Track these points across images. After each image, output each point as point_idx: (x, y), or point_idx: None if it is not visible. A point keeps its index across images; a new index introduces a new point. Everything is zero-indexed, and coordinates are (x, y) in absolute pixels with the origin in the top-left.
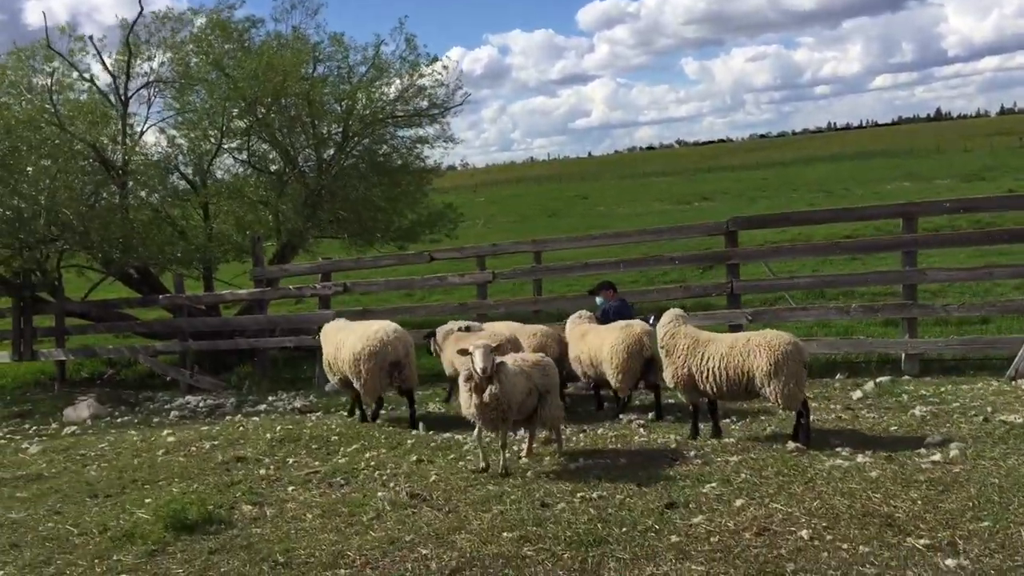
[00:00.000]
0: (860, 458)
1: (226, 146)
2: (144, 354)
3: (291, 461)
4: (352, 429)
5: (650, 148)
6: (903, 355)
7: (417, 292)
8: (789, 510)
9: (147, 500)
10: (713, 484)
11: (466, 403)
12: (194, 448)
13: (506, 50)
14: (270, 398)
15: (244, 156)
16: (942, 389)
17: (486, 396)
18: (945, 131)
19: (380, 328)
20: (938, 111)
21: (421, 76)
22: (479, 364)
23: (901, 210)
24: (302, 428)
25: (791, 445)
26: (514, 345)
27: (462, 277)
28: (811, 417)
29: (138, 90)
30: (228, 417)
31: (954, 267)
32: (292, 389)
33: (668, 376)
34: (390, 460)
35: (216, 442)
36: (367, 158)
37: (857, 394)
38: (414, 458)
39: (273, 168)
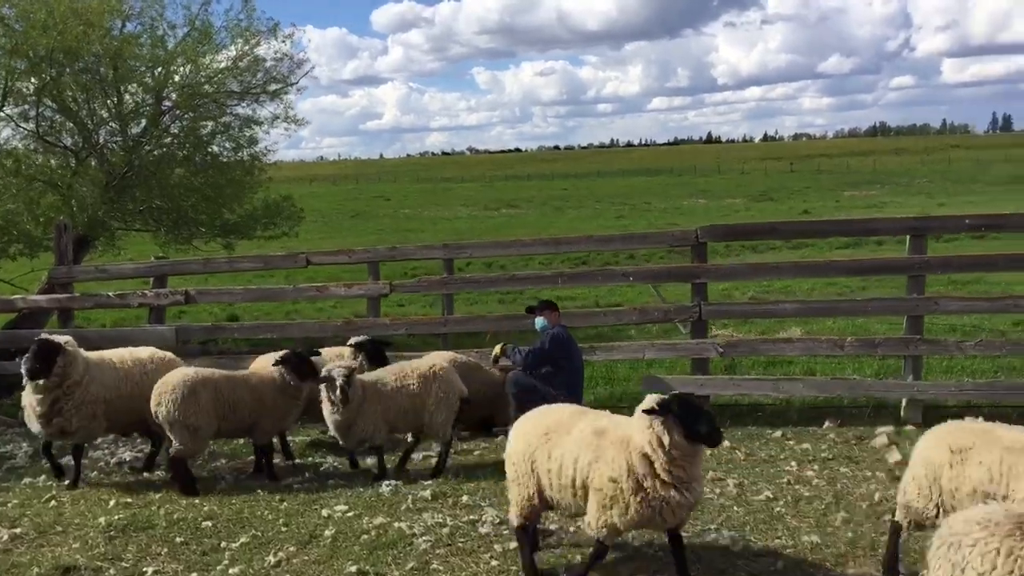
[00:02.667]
0: None
1: (7, 112)
2: None
3: (150, 572)
4: (228, 505)
5: (445, 153)
6: (904, 401)
7: (286, 304)
8: None
9: None
10: None
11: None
12: None
13: (299, 46)
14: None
15: (32, 126)
16: None
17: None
18: (718, 153)
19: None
20: (709, 135)
21: (258, 45)
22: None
23: (915, 224)
24: (150, 505)
25: None
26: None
27: (349, 288)
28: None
29: None
30: (27, 481)
31: (970, 296)
32: None
33: None
34: (309, 570)
35: (19, 531)
36: (190, 138)
37: (895, 456)
38: (351, 568)
39: (68, 142)
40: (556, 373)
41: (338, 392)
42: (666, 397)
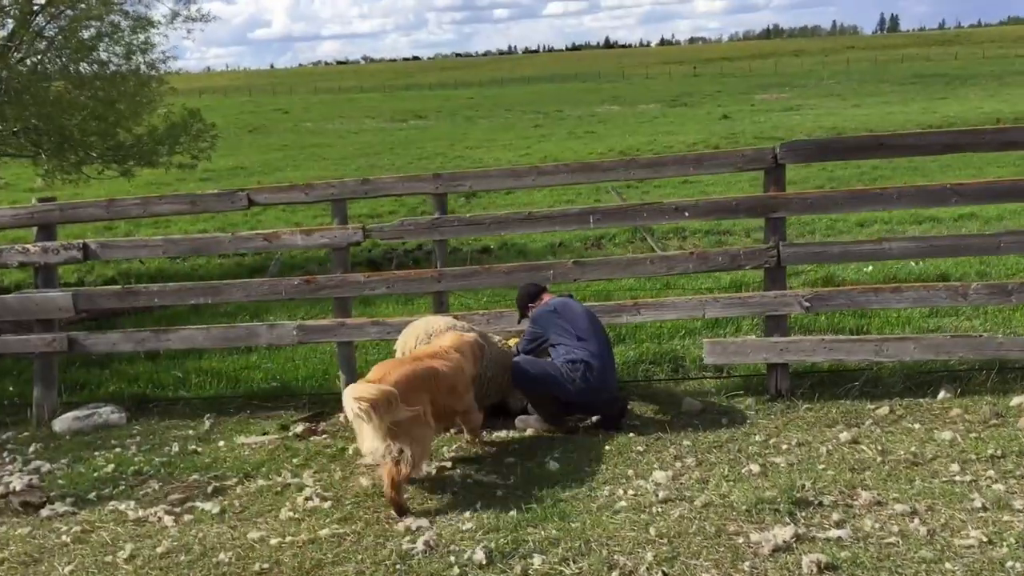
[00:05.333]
0: None
1: None
2: None
3: None
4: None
5: (340, 63)
6: None
7: (224, 260)
8: None
9: None
10: None
11: None
12: None
13: None
14: None
15: None
16: None
17: None
18: (619, 58)
19: None
20: (607, 39)
21: None
22: None
23: None
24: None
25: None
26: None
27: (309, 235)
28: None
29: None
30: None
31: None
32: None
33: None
34: None
35: None
36: (69, 43)
37: None
38: None
39: None
40: (563, 347)
41: None
42: None
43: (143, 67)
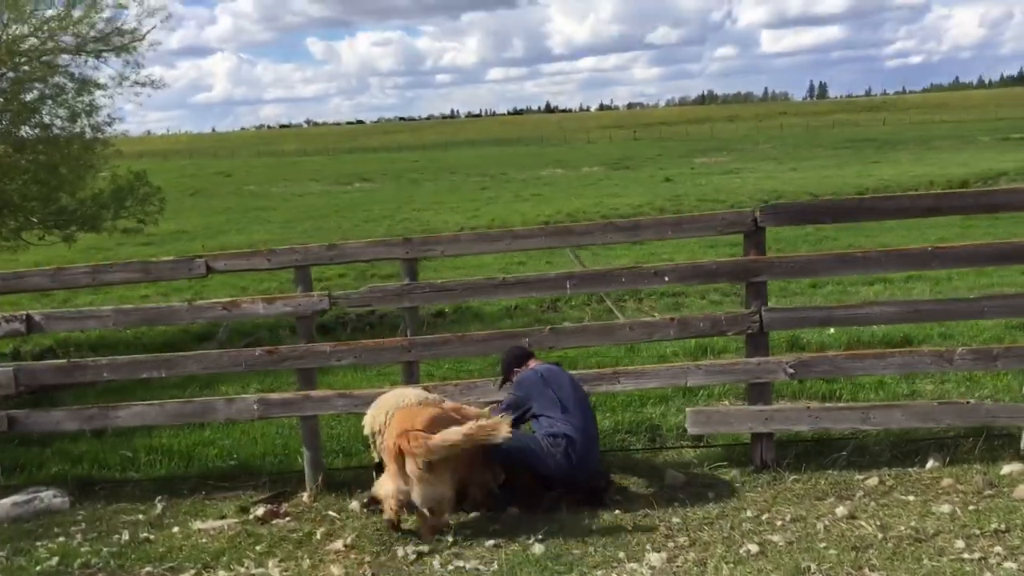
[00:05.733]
0: None
1: None
2: None
3: None
4: None
5: (283, 126)
6: None
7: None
8: None
9: None
10: None
11: None
12: None
13: (118, 15)
14: None
15: None
16: None
17: None
18: (560, 123)
19: None
20: (548, 104)
21: None
22: None
23: None
24: None
25: None
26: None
27: (271, 303)
28: None
29: None
30: None
31: None
32: None
33: None
34: None
35: None
36: (11, 105)
37: None
38: None
39: None
40: (547, 419)
41: None
42: None
43: (88, 130)
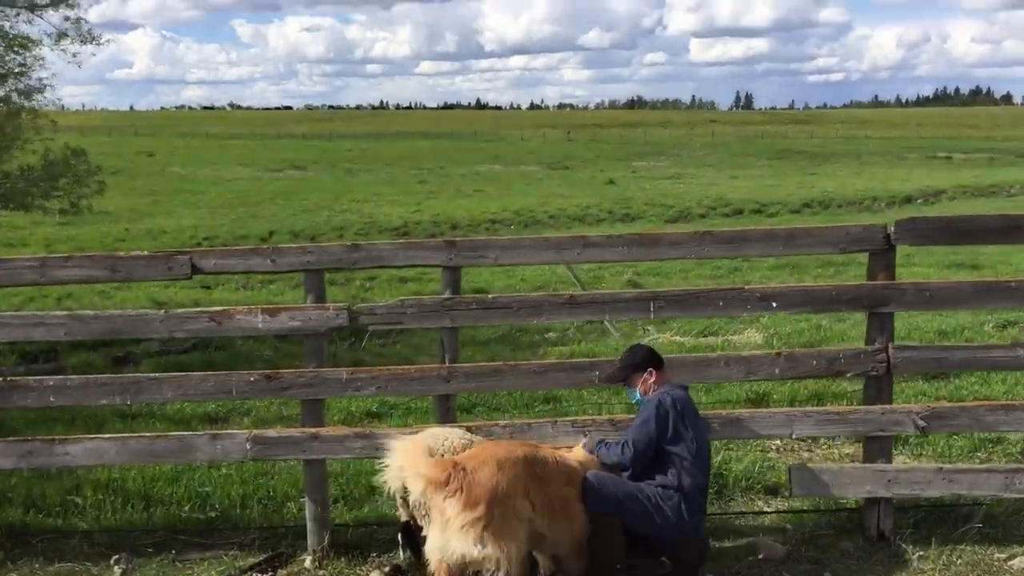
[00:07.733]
0: None
1: None
2: None
3: None
4: None
5: (206, 108)
6: None
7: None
8: None
9: None
10: None
11: None
12: None
13: None
14: None
15: None
16: None
17: None
18: (493, 119)
19: None
20: (478, 100)
21: None
22: None
23: None
24: None
25: None
26: None
27: (274, 315)
28: None
29: None
30: None
31: None
32: None
33: None
34: None
35: None
36: None
37: None
38: None
39: None
40: (669, 463)
41: None
42: None
43: (15, 95)
